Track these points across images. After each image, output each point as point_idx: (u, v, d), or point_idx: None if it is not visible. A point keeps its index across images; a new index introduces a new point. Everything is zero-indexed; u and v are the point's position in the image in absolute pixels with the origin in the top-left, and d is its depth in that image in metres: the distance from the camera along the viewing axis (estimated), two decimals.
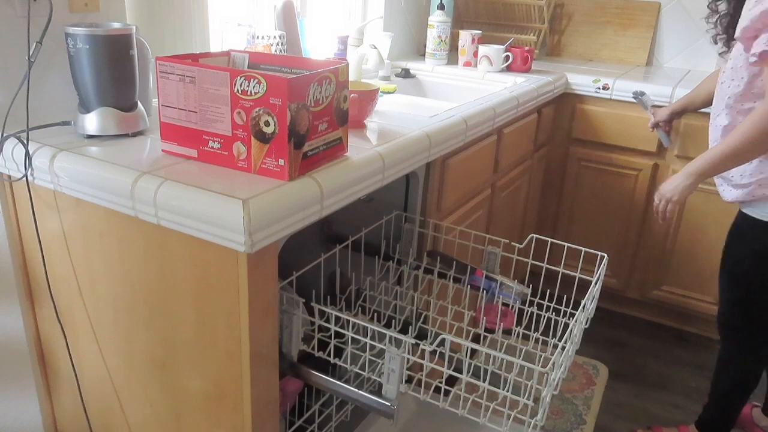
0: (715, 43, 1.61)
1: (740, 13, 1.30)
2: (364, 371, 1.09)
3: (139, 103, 1.13)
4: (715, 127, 1.47)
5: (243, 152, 0.95)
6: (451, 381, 1.06)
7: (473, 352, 1.02)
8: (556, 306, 1.29)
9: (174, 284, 0.98)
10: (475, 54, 2.25)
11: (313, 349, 1.12)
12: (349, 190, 1.04)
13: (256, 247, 0.86)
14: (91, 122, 1.08)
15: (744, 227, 1.49)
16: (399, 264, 1.45)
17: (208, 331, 0.97)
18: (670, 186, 1.46)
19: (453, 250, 1.49)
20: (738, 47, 1.37)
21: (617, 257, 2.31)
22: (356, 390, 1.04)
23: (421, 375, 1.11)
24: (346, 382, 1.05)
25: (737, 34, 1.30)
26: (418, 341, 1.04)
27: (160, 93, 1.00)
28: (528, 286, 1.30)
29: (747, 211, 1.47)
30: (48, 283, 1.14)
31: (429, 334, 1.30)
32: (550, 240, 1.37)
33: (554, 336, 1.28)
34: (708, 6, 1.59)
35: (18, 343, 1.21)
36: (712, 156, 1.38)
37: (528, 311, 1.31)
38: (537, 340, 1.28)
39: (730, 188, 1.48)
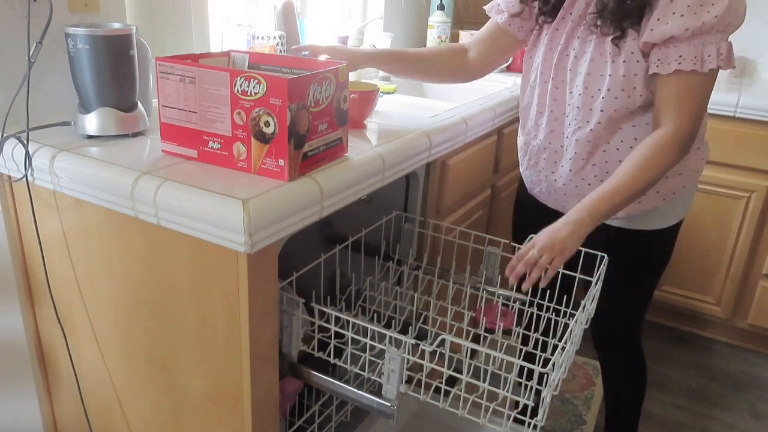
0: (541, 13, 1.24)
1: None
2: (364, 372, 1.09)
3: (139, 103, 1.13)
4: (577, 141, 1.23)
5: (243, 152, 0.95)
6: (451, 381, 1.06)
7: (473, 352, 1.02)
8: (556, 306, 1.29)
9: (174, 284, 0.98)
10: None
11: (313, 349, 1.12)
12: (349, 190, 1.04)
13: (256, 248, 0.87)
14: (91, 122, 1.08)
15: (628, 244, 1.30)
16: (399, 264, 1.45)
17: (208, 331, 0.97)
18: (560, 236, 1.08)
19: (453, 250, 1.49)
20: (633, 47, 1.12)
21: None
22: (356, 390, 1.04)
23: (421, 375, 1.11)
24: (346, 382, 1.06)
25: (653, 37, 1.07)
26: (418, 342, 1.04)
27: (160, 93, 1.00)
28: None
29: (627, 225, 1.28)
30: (48, 283, 1.14)
31: (429, 334, 1.30)
32: None
33: (554, 336, 1.28)
34: None
35: (18, 343, 1.21)
36: (607, 198, 1.11)
37: (528, 311, 1.31)
38: (537, 341, 1.28)
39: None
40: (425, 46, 2.33)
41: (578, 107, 1.22)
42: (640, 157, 1.12)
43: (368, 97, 1.28)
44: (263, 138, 0.92)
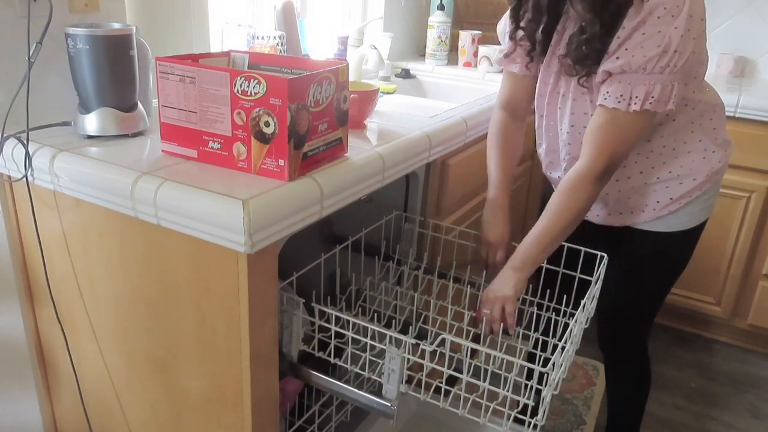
0: (532, 49, 1.24)
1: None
2: (365, 371, 1.09)
3: (139, 103, 1.13)
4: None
5: (243, 152, 0.95)
6: (451, 381, 1.06)
7: (473, 352, 1.02)
8: (556, 306, 1.29)
9: (174, 284, 0.98)
10: (475, 54, 2.25)
11: (313, 349, 1.12)
12: (349, 190, 1.04)
13: (256, 248, 0.87)
14: (91, 122, 1.08)
15: (641, 245, 1.31)
16: (399, 264, 1.45)
17: (208, 331, 0.97)
18: (497, 289, 1.17)
19: (453, 250, 1.49)
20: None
21: None
22: (356, 390, 1.04)
23: (422, 375, 1.11)
24: (346, 382, 1.06)
25: (599, 77, 1.10)
26: (419, 341, 1.04)
27: (160, 93, 1.00)
28: (528, 286, 1.30)
29: (641, 226, 1.29)
30: (48, 283, 1.14)
31: (429, 334, 1.30)
32: None
33: (554, 336, 1.28)
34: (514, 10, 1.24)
35: (18, 343, 1.21)
36: (534, 244, 1.17)
37: (528, 311, 1.31)
38: (537, 340, 1.28)
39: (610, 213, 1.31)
40: (425, 46, 2.33)
41: (570, 143, 1.25)
42: (557, 197, 1.16)
43: (368, 97, 1.28)
44: (263, 138, 0.92)
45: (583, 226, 1.22)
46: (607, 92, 1.08)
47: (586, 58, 1.10)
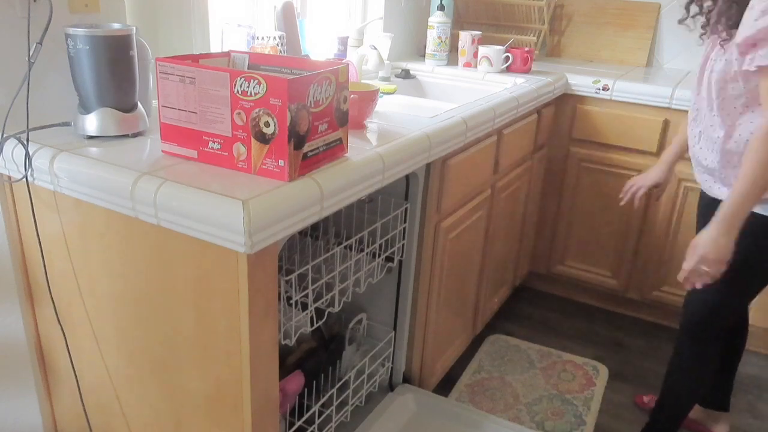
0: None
1: (732, 8, 1.25)
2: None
3: (139, 103, 1.13)
4: (709, 139, 1.39)
5: (243, 153, 0.96)
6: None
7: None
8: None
9: (174, 285, 0.98)
10: (475, 55, 2.25)
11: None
12: (349, 190, 1.04)
13: (256, 248, 0.87)
14: (91, 123, 1.08)
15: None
16: (399, 264, 1.45)
17: (208, 331, 0.98)
18: (713, 247, 1.26)
19: (453, 250, 1.49)
20: (733, 51, 1.27)
21: (617, 257, 2.32)
22: None
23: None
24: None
25: (738, 39, 1.23)
26: None
27: (160, 94, 1.00)
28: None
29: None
30: (48, 283, 1.14)
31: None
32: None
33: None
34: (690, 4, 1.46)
35: (18, 343, 1.21)
36: (739, 200, 1.24)
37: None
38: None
39: (722, 187, 1.39)
40: (425, 46, 2.33)
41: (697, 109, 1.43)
42: (750, 154, 1.23)
43: (368, 97, 1.28)
44: (263, 138, 0.92)
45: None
46: (752, 58, 1.22)
47: (725, 24, 1.28)
